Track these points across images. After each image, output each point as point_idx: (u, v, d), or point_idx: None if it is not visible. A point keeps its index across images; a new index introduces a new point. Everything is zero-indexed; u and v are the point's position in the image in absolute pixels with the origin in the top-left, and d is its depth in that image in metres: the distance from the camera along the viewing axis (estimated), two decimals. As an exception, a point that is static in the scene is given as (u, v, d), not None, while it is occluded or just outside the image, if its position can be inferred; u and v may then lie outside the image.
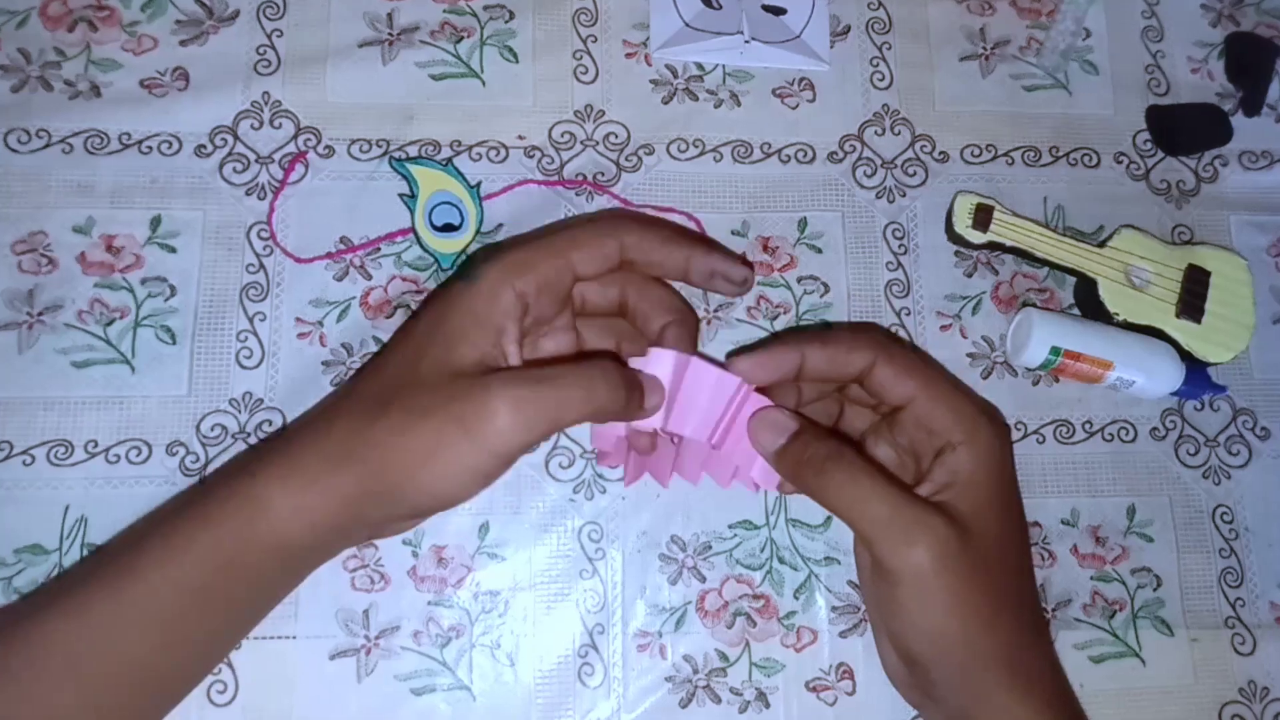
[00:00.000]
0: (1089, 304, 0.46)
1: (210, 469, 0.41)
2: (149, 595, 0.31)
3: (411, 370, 0.32)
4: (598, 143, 0.47)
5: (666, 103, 0.48)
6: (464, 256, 0.44)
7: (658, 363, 0.36)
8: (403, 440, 0.31)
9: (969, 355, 0.46)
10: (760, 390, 0.37)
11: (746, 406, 0.36)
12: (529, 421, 0.31)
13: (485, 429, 0.30)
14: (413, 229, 0.44)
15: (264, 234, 0.44)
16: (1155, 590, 0.45)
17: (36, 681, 0.30)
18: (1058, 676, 0.35)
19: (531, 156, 0.46)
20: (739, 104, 0.48)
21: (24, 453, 0.41)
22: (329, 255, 0.44)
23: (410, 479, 0.31)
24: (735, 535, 0.43)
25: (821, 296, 0.46)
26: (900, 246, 0.47)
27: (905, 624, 0.33)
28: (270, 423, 0.42)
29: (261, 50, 0.46)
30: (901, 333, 0.46)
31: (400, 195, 0.44)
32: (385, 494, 0.32)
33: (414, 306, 0.44)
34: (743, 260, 0.36)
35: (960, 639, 0.33)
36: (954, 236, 0.47)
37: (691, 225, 0.46)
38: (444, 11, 0.47)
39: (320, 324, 0.43)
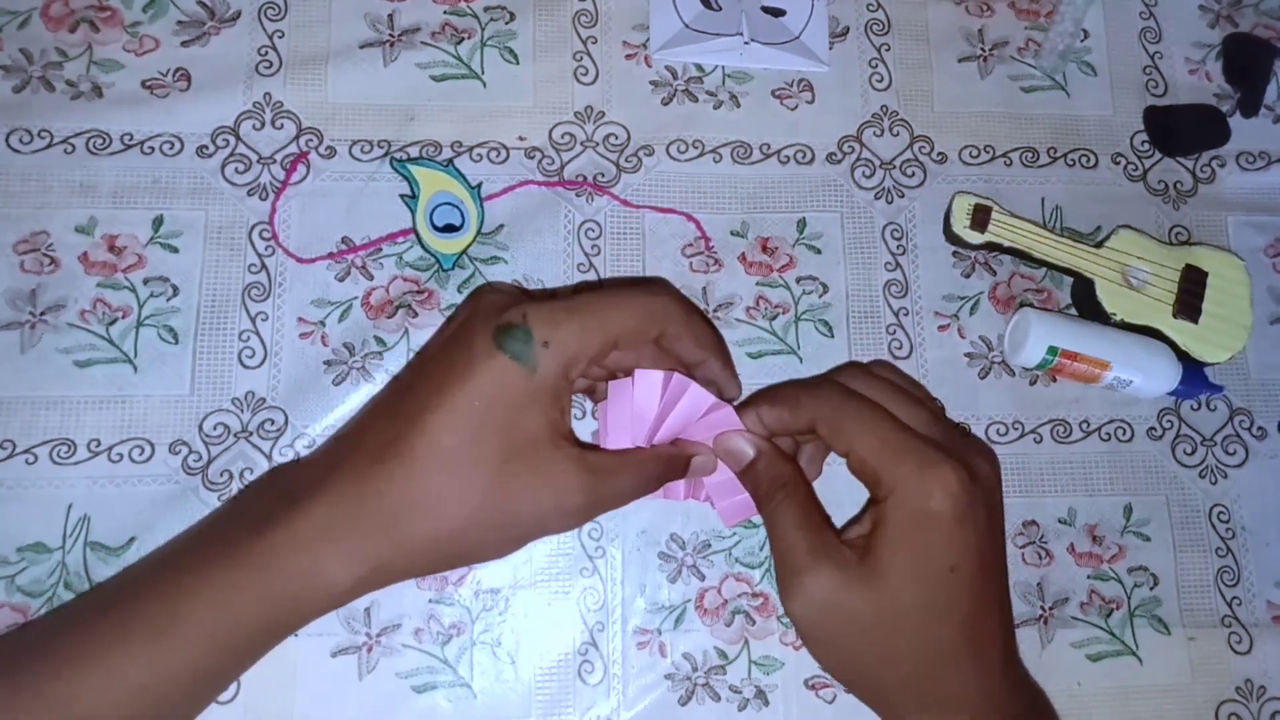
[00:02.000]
0: (1086, 304, 0.47)
1: (212, 468, 0.41)
2: (193, 659, 0.32)
3: (483, 467, 0.33)
4: (598, 144, 0.47)
5: (666, 104, 0.48)
6: (475, 273, 0.44)
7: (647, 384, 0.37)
8: (481, 535, 0.33)
9: (967, 355, 0.47)
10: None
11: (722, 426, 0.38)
12: (592, 514, 0.35)
13: (558, 526, 0.35)
14: (414, 229, 0.44)
15: (266, 234, 0.44)
16: (1152, 589, 0.45)
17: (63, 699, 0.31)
18: (992, 706, 0.35)
19: (532, 157, 0.46)
20: (738, 105, 0.48)
21: (26, 451, 0.41)
22: (330, 255, 0.44)
23: (470, 550, 0.34)
24: (734, 534, 0.43)
25: (820, 297, 0.46)
26: (899, 247, 0.47)
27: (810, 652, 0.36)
28: (272, 422, 0.42)
29: (263, 51, 0.46)
30: (900, 332, 0.46)
31: (401, 196, 0.45)
32: (444, 566, 0.35)
33: (414, 306, 0.44)
34: (738, 382, 0.38)
35: (849, 675, 0.35)
36: (952, 237, 0.47)
37: (691, 226, 0.46)
38: (445, 13, 0.48)
39: (322, 324, 0.43)
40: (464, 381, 0.33)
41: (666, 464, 0.37)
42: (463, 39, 0.47)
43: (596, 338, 0.34)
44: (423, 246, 0.44)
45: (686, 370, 0.37)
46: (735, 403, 0.38)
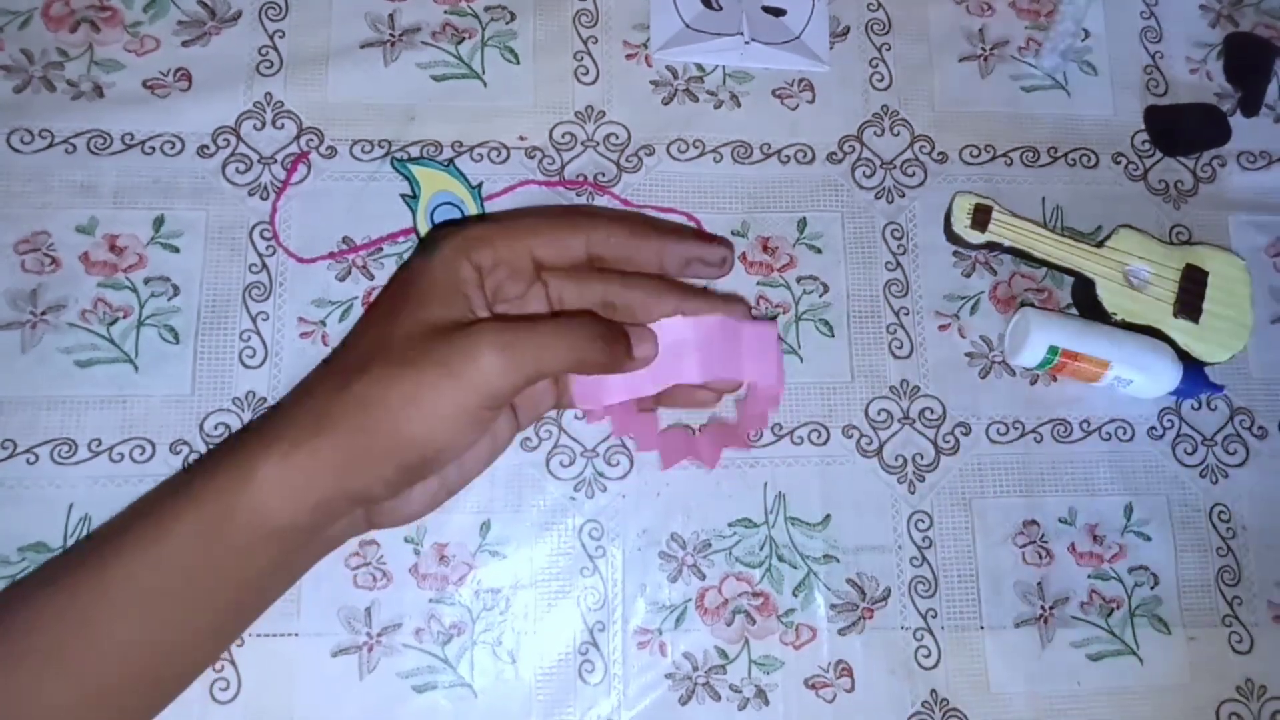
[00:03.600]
0: (1087, 304, 0.47)
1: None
2: (133, 576, 0.31)
3: (384, 333, 0.32)
4: (598, 143, 0.47)
5: (667, 103, 0.48)
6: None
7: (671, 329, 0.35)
8: (384, 392, 0.31)
9: (967, 355, 0.47)
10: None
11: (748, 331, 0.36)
12: (514, 364, 0.31)
13: (470, 370, 0.30)
14: (414, 229, 0.44)
15: (266, 234, 0.44)
16: (1153, 589, 0.45)
17: (20, 669, 0.30)
18: None
19: (532, 157, 0.46)
20: (739, 105, 0.48)
21: (28, 451, 0.41)
22: (331, 255, 0.44)
23: (395, 430, 0.31)
24: (735, 533, 0.43)
25: (821, 296, 0.46)
26: (899, 246, 0.47)
27: None
28: (273, 422, 0.42)
29: (264, 51, 0.46)
30: (900, 332, 0.46)
31: (402, 195, 0.45)
32: (369, 452, 0.31)
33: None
34: (718, 240, 0.35)
35: None
36: (952, 236, 0.47)
37: (692, 225, 0.46)
38: (445, 12, 0.48)
39: (323, 324, 0.43)
40: (384, 290, 0.34)
41: (604, 330, 0.33)
42: (463, 39, 0.47)
43: (497, 231, 0.34)
44: (423, 246, 0.44)
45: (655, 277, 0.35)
46: (730, 264, 0.35)
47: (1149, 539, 0.45)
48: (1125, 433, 0.47)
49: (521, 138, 0.46)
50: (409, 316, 0.32)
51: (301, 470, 0.31)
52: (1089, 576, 0.45)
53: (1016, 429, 0.46)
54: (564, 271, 0.36)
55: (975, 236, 0.46)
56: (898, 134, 0.49)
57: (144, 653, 0.32)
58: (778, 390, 0.37)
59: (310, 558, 0.35)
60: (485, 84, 0.47)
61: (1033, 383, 0.47)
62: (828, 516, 0.44)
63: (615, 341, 0.34)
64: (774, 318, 0.46)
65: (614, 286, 0.36)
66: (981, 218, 0.46)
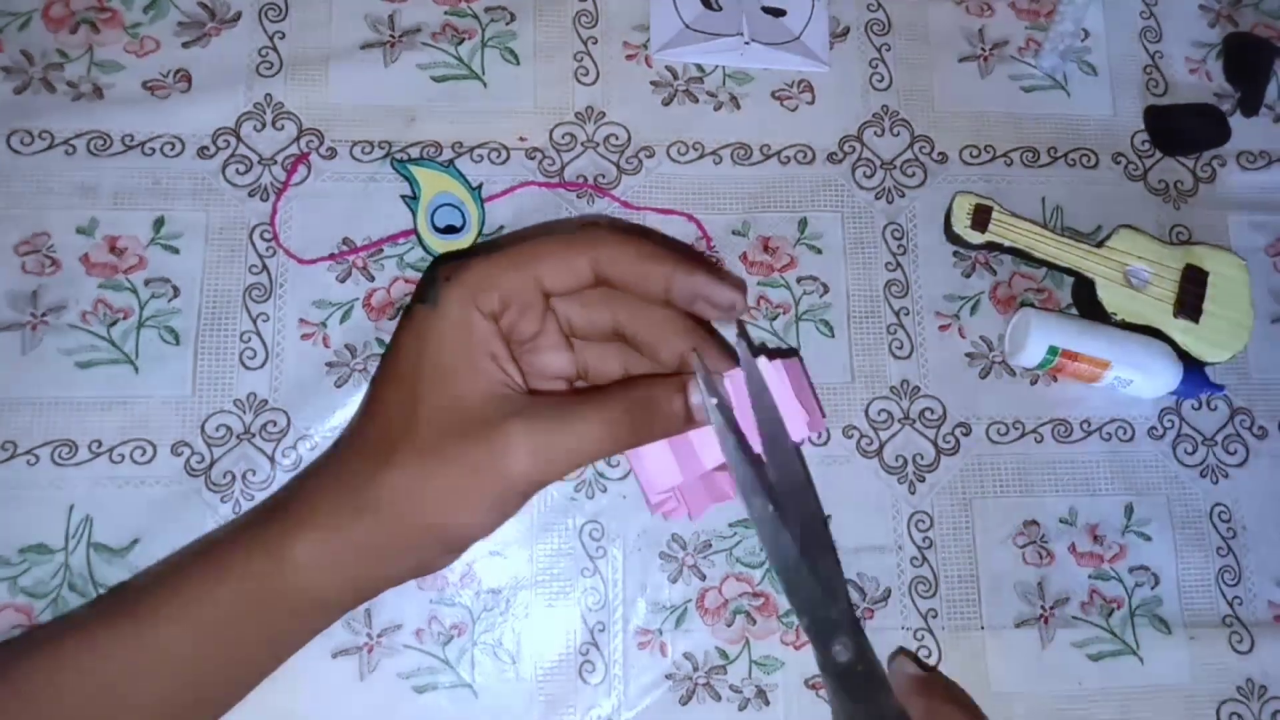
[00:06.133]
0: (1087, 304, 0.47)
1: (215, 469, 0.41)
2: (166, 640, 0.31)
3: (410, 412, 0.31)
4: (598, 144, 0.47)
5: (667, 104, 0.48)
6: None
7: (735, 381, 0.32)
8: (419, 485, 0.30)
9: (967, 355, 0.47)
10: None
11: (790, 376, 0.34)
12: (550, 463, 0.30)
13: (504, 470, 0.30)
14: (415, 230, 0.44)
15: (267, 235, 0.44)
16: (1153, 589, 0.45)
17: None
18: None
19: (533, 158, 0.46)
20: (739, 106, 0.48)
21: (28, 453, 0.41)
22: (332, 256, 0.44)
23: (433, 525, 0.31)
24: (735, 534, 0.43)
25: (821, 296, 0.46)
26: (899, 247, 0.48)
27: None
28: (274, 423, 0.42)
29: (264, 52, 0.46)
30: (900, 332, 0.46)
31: (402, 196, 0.45)
32: (409, 541, 0.31)
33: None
34: (735, 282, 0.32)
35: None
36: (952, 237, 0.47)
37: (691, 226, 0.46)
38: (445, 13, 0.48)
39: (324, 325, 0.43)
40: (392, 343, 0.33)
41: (635, 402, 0.31)
42: (463, 40, 0.47)
43: (500, 267, 0.32)
44: (424, 248, 0.44)
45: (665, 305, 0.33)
46: (740, 311, 0.33)
47: (1149, 539, 0.45)
48: (1125, 433, 0.47)
49: (521, 138, 0.46)
50: (435, 393, 0.31)
51: (339, 555, 0.31)
52: (1089, 576, 0.45)
53: (1017, 429, 0.46)
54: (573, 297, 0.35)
55: (975, 237, 0.46)
56: (898, 134, 0.49)
57: (166, 711, 0.32)
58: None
59: (345, 612, 0.35)
60: (485, 85, 0.47)
61: (1033, 383, 0.47)
62: (828, 517, 0.44)
63: (658, 414, 0.32)
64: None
65: (624, 311, 0.35)
66: (981, 218, 0.46)
